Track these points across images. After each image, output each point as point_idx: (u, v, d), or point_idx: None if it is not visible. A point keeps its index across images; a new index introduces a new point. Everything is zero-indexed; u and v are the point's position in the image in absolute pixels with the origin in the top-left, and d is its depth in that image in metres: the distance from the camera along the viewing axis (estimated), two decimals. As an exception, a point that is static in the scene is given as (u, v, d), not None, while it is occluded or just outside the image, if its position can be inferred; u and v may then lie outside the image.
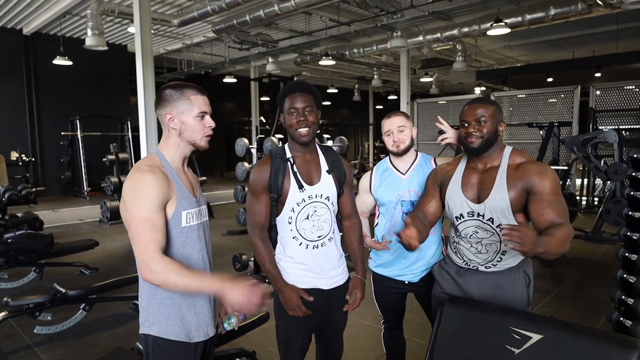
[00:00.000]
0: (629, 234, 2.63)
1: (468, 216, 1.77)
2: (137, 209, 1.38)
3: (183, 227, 1.50)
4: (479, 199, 1.75)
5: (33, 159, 10.71)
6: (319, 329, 1.97)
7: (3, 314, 3.14)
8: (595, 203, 8.46)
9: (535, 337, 1.47)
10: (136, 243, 1.37)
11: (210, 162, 15.99)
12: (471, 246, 1.80)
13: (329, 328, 1.97)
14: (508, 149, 1.77)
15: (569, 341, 1.41)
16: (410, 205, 2.14)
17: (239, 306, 1.35)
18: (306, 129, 1.77)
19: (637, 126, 8.46)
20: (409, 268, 2.17)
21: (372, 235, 2.30)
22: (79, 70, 10.90)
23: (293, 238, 1.83)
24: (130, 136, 10.72)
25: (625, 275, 2.63)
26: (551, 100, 9.63)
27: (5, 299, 3.14)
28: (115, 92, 12.24)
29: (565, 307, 3.85)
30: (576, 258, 5.40)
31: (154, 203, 1.39)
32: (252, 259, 4.65)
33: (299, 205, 1.81)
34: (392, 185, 2.17)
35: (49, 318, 3.37)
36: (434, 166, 2.15)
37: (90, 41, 7.95)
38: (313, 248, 1.84)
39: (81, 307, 3.51)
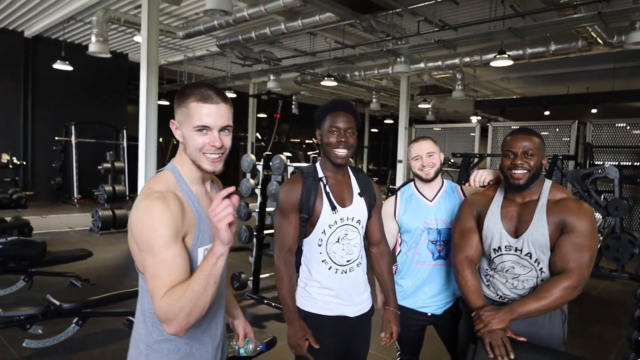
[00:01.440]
0: (648, 273, 2.61)
1: (506, 250, 1.70)
2: (149, 257, 1.15)
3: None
4: (516, 233, 1.70)
5: (24, 163, 10.48)
6: (341, 358, 1.87)
7: (-8, 325, 2.97)
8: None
9: (581, 381, 1.40)
10: (150, 285, 1.16)
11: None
12: (507, 281, 1.73)
13: (351, 357, 1.87)
14: (548, 183, 1.72)
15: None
16: (436, 233, 2.06)
17: None
18: (345, 150, 1.71)
19: (628, 163, 8.57)
20: (432, 299, 2.08)
21: (394, 262, 2.23)
22: (77, 75, 10.78)
23: (322, 261, 1.76)
24: (125, 145, 10.56)
25: (643, 316, 2.59)
26: (544, 133, 9.76)
27: (-5, 309, 2.97)
28: (112, 100, 12.12)
29: (572, 343, 3.73)
30: (576, 292, 5.36)
31: (167, 241, 1.15)
32: (251, 277, 4.53)
33: (330, 228, 1.73)
34: (419, 212, 2.09)
35: (40, 331, 3.18)
36: (461, 195, 2.09)
37: (93, 48, 7.88)
38: (342, 273, 1.76)
39: (74, 321, 3.35)
